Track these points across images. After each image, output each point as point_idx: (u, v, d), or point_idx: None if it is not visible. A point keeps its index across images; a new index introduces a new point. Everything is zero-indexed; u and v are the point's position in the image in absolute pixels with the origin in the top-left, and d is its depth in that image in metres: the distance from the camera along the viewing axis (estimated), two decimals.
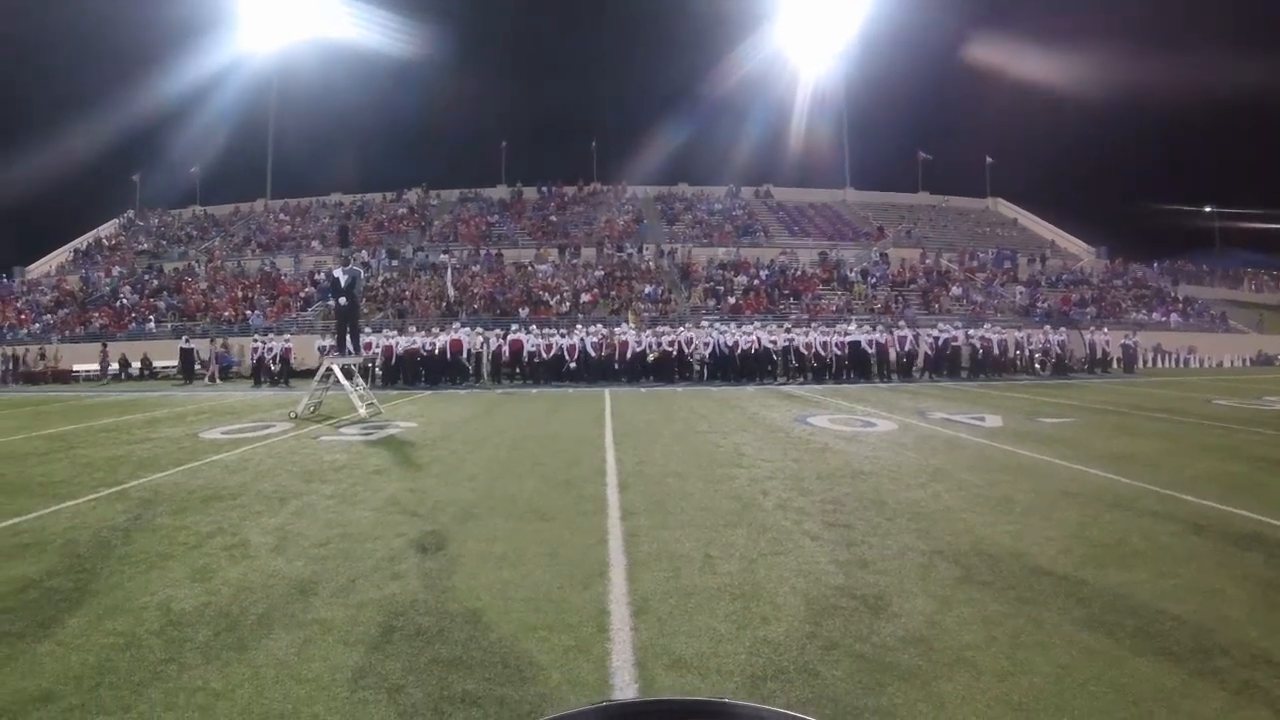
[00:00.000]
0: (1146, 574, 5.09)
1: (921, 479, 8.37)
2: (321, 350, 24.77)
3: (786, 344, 26.23)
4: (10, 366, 34.75)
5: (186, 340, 31.60)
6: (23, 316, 43.03)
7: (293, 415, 15.36)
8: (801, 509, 6.90)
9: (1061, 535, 6.05)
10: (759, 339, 26.01)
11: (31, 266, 55.13)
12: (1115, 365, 32.55)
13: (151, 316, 41.09)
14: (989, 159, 66.23)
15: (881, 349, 27.26)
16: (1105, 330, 33.48)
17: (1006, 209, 64.45)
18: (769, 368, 26.19)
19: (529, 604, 4.52)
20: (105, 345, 34.60)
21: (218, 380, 30.28)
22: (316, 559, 5.52)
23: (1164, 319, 43.73)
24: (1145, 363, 36.07)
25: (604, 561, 5.39)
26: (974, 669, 3.67)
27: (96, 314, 42.13)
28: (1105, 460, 9.61)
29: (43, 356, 35.29)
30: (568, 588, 4.83)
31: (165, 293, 44.46)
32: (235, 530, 6.40)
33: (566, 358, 26.12)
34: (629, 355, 26.27)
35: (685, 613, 4.40)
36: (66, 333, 39.48)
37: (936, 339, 27.92)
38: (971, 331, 28.99)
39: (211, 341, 32.83)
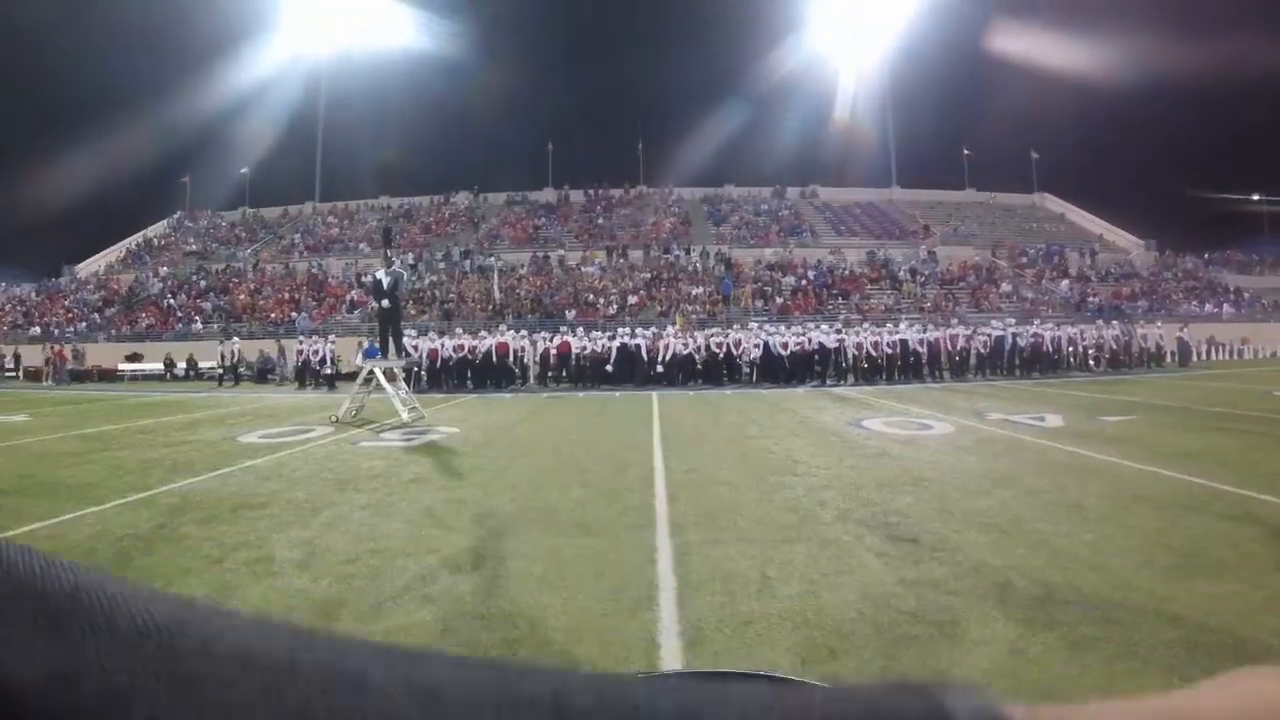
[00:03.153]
0: (1236, 585, 4.73)
1: (986, 485, 7.91)
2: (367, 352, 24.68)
3: (837, 344, 25.66)
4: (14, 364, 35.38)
5: (225, 341, 31.62)
6: (70, 315, 43.52)
7: (334, 419, 15.14)
8: (863, 521, 6.46)
9: (1141, 544, 5.65)
10: (810, 339, 25.48)
11: (81, 265, 55.96)
12: (1170, 359, 32.09)
13: (198, 317, 41.40)
14: (1034, 154, 65.43)
15: (933, 348, 26.71)
16: (1159, 324, 33.00)
17: (1054, 203, 63.85)
18: (816, 369, 25.60)
19: (571, 634, 4.12)
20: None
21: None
22: (343, 577, 5.16)
23: (1216, 310, 43.03)
24: (1199, 355, 35.49)
25: (653, 584, 4.97)
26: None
27: (143, 314, 42.52)
28: (1175, 459, 9.20)
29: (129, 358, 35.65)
30: (614, 614, 4.42)
31: (212, 294, 44.82)
32: (261, 543, 6.06)
33: (611, 360, 25.70)
34: (665, 358, 25.75)
35: (743, 645, 3.99)
36: (113, 331, 39.82)
37: (989, 337, 27.28)
38: (1024, 328, 28.36)
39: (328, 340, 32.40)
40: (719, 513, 6.87)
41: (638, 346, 25.86)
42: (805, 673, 3.62)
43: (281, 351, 32.26)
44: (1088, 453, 9.91)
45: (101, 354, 36.24)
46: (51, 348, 34.30)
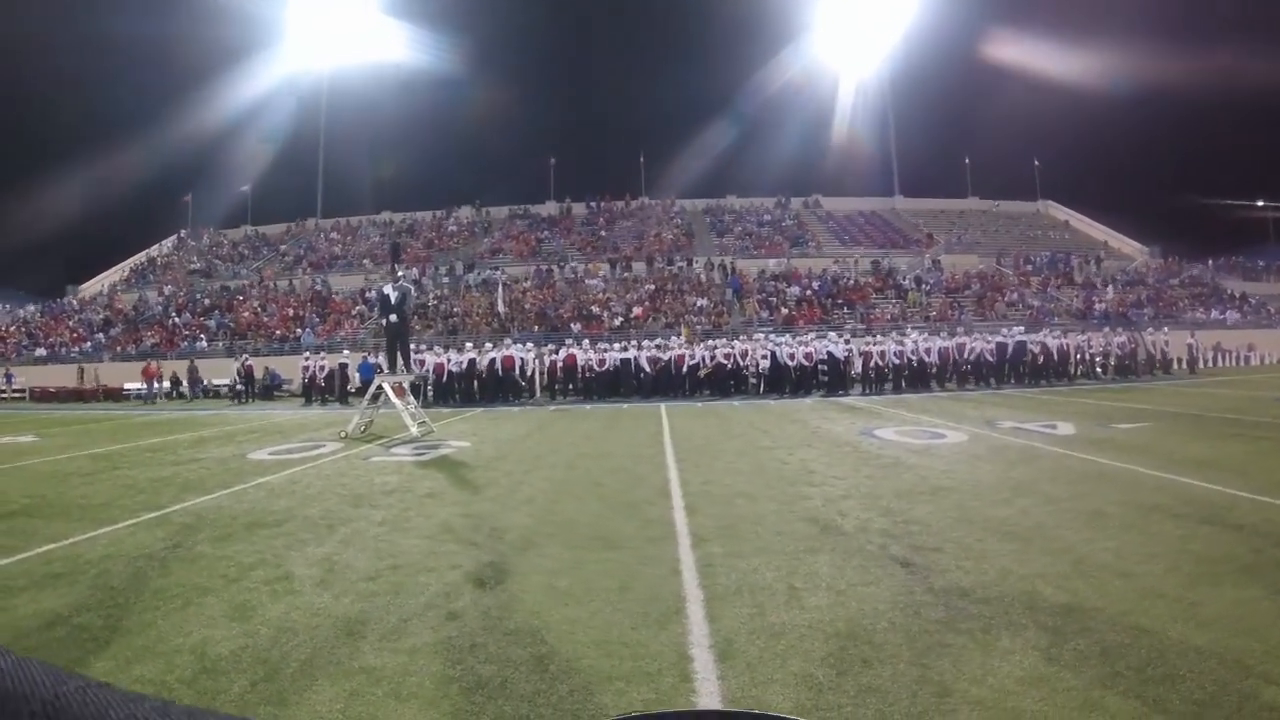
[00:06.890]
0: (1263, 591, 4.67)
1: (1005, 494, 7.85)
2: (362, 368, 24.83)
3: (845, 354, 25.55)
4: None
5: (239, 357, 31.56)
6: (75, 335, 43.53)
7: (343, 435, 15.09)
8: (885, 531, 6.39)
9: (1165, 551, 5.60)
10: (817, 349, 25.31)
11: (84, 285, 56.03)
12: (1178, 366, 31.95)
13: (203, 335, 41.37)
14: (1037, 162, 65.49)
15: (943, 356, 26.53)
16: (1165, 330, 32.81)
17: (1057, 211, 63.77)
18: (823, 379, 25.40)
19: (601, 648, 4.05)
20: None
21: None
22: (365, 595, 5.08)
23: (1221, 317, 42.83)
24: (1205, 362, 35.51)
25: (679, 596, 4.88)
26: (1105, 713, 3.22)
27: (148, 332, 42.51)
28: (1190, 467, 9.15)
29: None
30: (642, 628, 4.35)
31: (217, 311, 44.81)
32: (279, 561, 6.00)
33: (618, 372, 25.63)
34: (674, 370, 25.69)
35: (776, 656, 3.91)
36: (118, 349, 39.77)
37: (999, 345, 27.05)
38: (1031, 336, 28.12)
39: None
40: (739, 524, 6.80)
41: (647, 358, 25.79)
42: (842, 684, 3.56)
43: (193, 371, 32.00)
44: (1103, 460, 9.86)
45: (109, 374, 36.26)
46: (155, 366, 33.93)
